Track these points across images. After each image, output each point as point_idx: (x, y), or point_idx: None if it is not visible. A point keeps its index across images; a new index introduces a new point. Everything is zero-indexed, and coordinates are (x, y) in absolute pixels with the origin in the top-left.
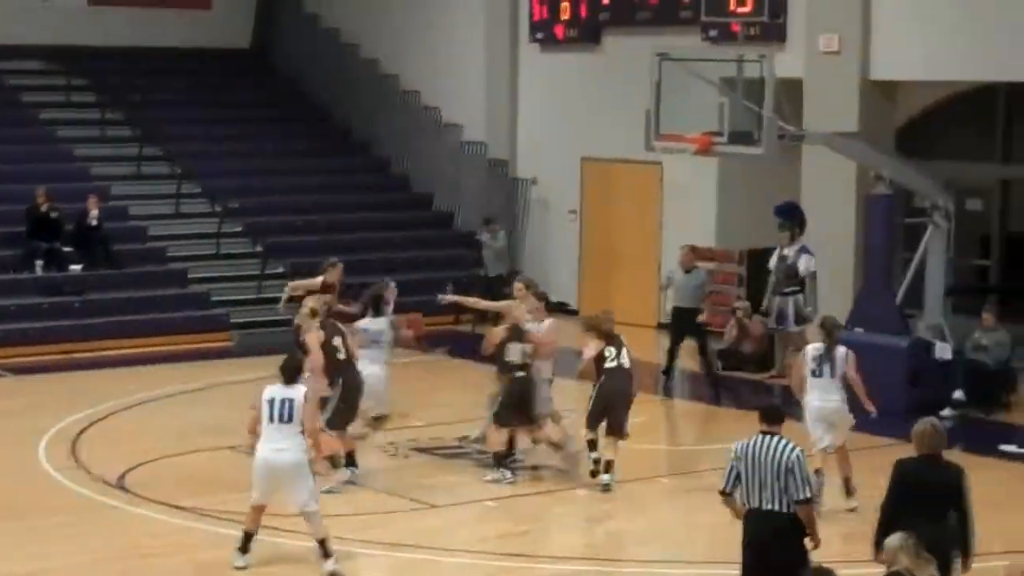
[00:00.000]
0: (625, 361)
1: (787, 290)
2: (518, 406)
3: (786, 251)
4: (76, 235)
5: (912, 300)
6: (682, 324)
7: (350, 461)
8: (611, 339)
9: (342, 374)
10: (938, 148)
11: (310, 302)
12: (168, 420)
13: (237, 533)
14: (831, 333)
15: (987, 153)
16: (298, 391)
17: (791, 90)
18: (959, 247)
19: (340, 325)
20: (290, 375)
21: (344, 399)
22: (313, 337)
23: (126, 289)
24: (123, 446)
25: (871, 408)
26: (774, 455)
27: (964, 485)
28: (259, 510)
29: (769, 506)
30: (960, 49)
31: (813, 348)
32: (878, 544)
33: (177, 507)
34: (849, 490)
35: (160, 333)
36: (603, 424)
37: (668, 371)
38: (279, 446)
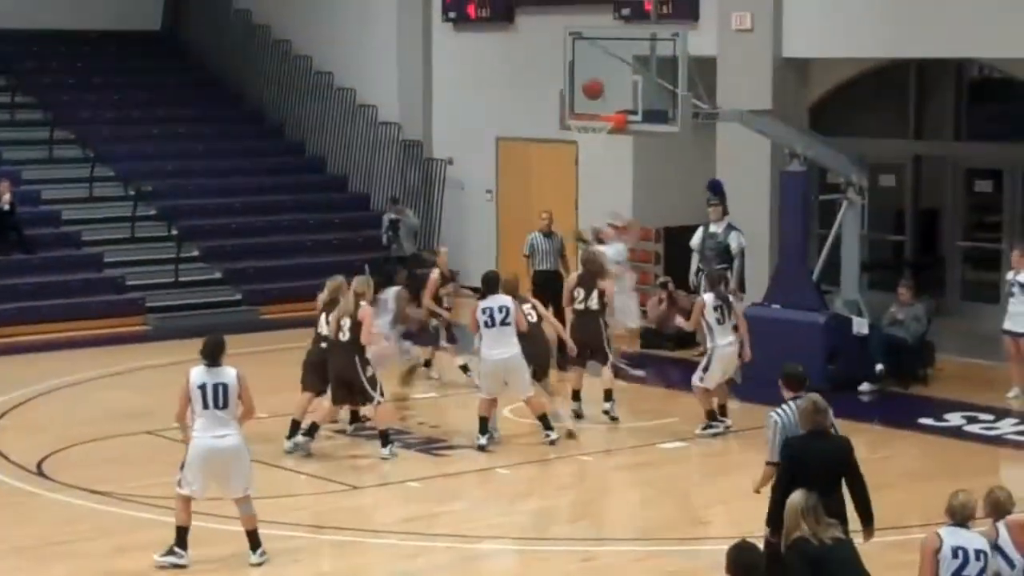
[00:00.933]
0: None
1: (717, 266)
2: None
3: (714, 228)
4: None
5: (828, 276)
6: (545, 287)
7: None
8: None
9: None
10: (851, 125)
11: (357, 286)
12: (85, 405)
13: (156, 517)
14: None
15: (899, 129)
16: (230, 374)
17: (704, 68)
18: (873, 223)
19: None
20: (214, 356)
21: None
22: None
23: (40, 274)
24: (40, 432)
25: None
26: None
27: (853, 455)
28: (189, 502)
29: None
30: (871, 26)
31: (712, 299)
32: (772, 523)
33: (96, 492)
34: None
35: (75, 318)
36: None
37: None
38: (218, 432)
